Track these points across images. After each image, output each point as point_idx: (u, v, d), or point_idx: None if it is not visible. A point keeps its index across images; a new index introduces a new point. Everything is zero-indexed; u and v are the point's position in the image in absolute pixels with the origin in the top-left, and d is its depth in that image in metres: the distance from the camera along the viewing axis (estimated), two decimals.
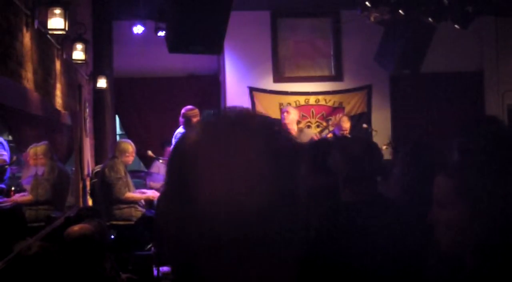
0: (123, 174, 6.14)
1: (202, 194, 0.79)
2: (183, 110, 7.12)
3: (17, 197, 5.06)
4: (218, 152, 0.81)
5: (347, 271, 2.11)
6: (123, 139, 6.67)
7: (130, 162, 6.50)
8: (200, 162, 0.81)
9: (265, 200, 0.78)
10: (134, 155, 6.40)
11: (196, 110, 7.17)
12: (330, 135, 7.29)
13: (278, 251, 0.79)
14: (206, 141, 0.83)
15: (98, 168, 7.28)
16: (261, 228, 0.78)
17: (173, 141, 7.08)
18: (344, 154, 2.54)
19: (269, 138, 0.84)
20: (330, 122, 9.35)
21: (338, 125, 8.15)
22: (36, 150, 5.11)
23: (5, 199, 4.95)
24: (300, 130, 7.21)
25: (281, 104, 9.43)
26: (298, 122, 7.24)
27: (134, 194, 6.27)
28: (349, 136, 7.02)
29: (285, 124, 7.08)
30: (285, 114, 7.34)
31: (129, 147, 6.31)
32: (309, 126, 9.37)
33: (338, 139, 5.96)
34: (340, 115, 8.94)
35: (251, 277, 0.79)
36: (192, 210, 0.79)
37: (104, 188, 6.18)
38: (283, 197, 0.79)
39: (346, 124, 7.97)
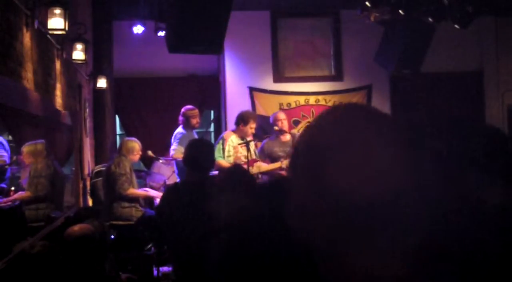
0: (128, 170, 6.15)
1: (341, 185, 0.83)
2: (183, 110, 7.13)
3: (16, 195, 5.07)
4: (354, 144, 0.84)
5: None
6: (129, 138, 6.68)
7: (137, 160, 6.53)
8: (337, 155, 0.84)
9: (399, 188, 0.82)
10: (140, 153, 6.43)
11: (196, 111, 7.17)
12: None
13: (403, 237, 0.83)
14: (341, 134, 0.86)
15: (98, 168, 7.28)
16: (396, 214, 0.82)
17: (173, 141, 7.08)
18: None
19: (399, 130, 0.88)
20: None
21: None
22: (31, 148, 5.11)
23: (5, 199, 4.95)
24: (292, 134, 7.21)
25: (281, 104, 9.44)
26: (296, 122, 7.22)
27: (137, 190, 6.28)
28: None
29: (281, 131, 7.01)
30: (280, 123, 7.10)
31: (136, 145, 6.34)
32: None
33: None
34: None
35: (379, 265, 0.84)
36: (331, 200, 0.83)
37: (108, 184, 6.19)
38: (414, 186, 0.83)
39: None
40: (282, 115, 7.22)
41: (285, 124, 7.13)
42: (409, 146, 0.86)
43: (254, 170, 6.50)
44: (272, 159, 6.89)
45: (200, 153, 4.05)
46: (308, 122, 9.37)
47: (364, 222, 0.82)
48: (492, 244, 1.01)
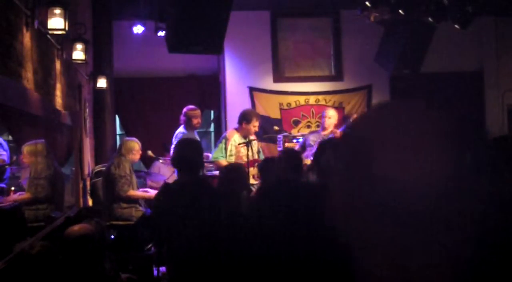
0: (128, 172, 6.14)
1: (388, 174, 0.84)
2: (185, 109, 7.11)
3: (16, 196, 5.06)
4: (401, 135, 0.86)
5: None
6: (129, 138, 6.67)
7: (137, 160, 6.51)
8: (385, 145, 0.86)
9: (442, 180, 0.83)
10: (140, 153, 6.42)
11: (198, 111, 7.16)
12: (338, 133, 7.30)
13: (448, 232, 0.84)
14: (388, 125, 0.88)
15: (98, 168, 7.28)
16: (439, 205, 0.83)
17: (174, 141, 7.08)
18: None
19: (442, 123, 0.89)
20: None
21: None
22: (31, 148, 5.10)
23: (5, 199, 4.95)
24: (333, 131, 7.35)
25: (281, 104, 9.44)
26: (297, 122, 7.34)
27: (137, 192, 6.27)
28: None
29: (324, 122, 7.44)
30: (327, 112, 7.54)
31: (136, 145, 6.33)
32: (309, 126, 9.38)
33: (333, 139, 6.01)
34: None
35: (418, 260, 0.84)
36: (378, 189, 0.84)
37: (108, 185, 6.19)
38: (457, 178, 0.84)
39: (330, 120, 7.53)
40: (330, 113, 7.54)
41: (328, 122, 7.42)
42: (457, 142, 0.87)
43: (255, 170, 6.50)
44: None
45: (188, 154, 3.96)
46: (309, 122, 9.39)
47: (411, 219, 0.83)
48: None
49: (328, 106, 9.52)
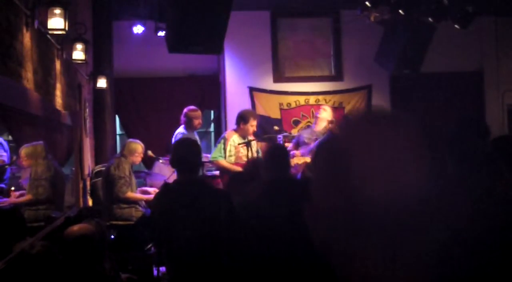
0: (127, 173, 6.13)
1: (364, 183, 0.85)
2: (185, 110, 7.11)
3: (16, 195, 5.06)
4: (377, 144, 0.87)
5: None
6: (132, 139, 6.66)
7: (138, 162, 6.51)
8: (361, 155, 0.87)
9: (421, 187, 0.84)
10: (142, 155, 6.42)
11: (199, 112, 7.15)
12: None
13: (424, 239, 0.84)
14: (363, 136, 0.89)
15: (98, 168, 7.28)
16: (416, 213, 0.84)
17: (173, 141, 7.07)
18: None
19: (419, 131, 0.90)
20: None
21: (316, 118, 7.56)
22: (29, 150, 5.10)
23: (5, 199, 4.95)
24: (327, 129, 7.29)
25: (281, 104, 9.44)
26: (331, 122, 7.29)
27: (136, 194, 6.26)
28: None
29: (316, 118, 7.41)
30: (321, 110, 7.53)
31: (139, 146, 6.33)
32: (309, 126, 9.38)
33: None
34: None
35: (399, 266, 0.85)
36: (354, 197, 0.85)
37: (107, 185, 6.19)
38: (437, 185, 0.85)
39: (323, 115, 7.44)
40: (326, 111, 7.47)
41: (322, 116, 7.39)
42: (429, 147, 0.88)
43: None
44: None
45: (186, 154, 3.95)
46: (309, 122, 9.39)
47: (385, 223, 0.83)
48: None
49: (328, 106, 9.54)
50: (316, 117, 7.47)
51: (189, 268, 3.71)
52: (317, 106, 9.51)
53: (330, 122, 7.31)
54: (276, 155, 4.17)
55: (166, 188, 4.06)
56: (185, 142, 4.46)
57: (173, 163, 3.98)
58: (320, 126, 7.35)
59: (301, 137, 7.34)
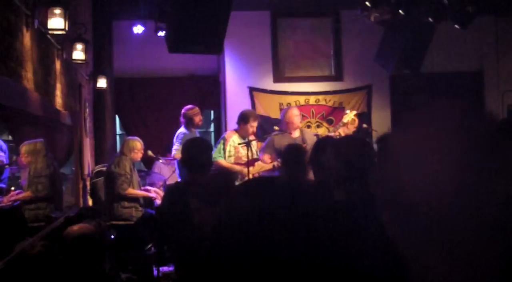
0: (128, 170, 6.16)
1: (407, 185, 0.86)
2: (183, 111, 7.12)
3: (15, 194, 5.05)
4: (426, 150, 0.90)
5: (341, 270, 2.12)
6: (131, 137, 6.69)
7: (139, 159, 6.53)
8: (411, 161, 0.89)
9: (463, 189, 0.85)
10: (142, 151, 6.44)
11: (197, 109, 7.17)
12: (337, 133, 7.10)
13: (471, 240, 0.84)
14: (414, 140, 0.92)
15: (98, 168, 7.28)
16: (455, 215, 0.84)
17: (175, 141, 7.08)
18: (336, 153, 2.55)
19: (461, 130, 0.92)
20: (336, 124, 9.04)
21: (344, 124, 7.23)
22: (30, 147, 5.10)
23: (5, 198, 4.95)
24: (301, 130, 7.13)
25: (281, 104, 9.44)
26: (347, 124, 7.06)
27: (137, 191, 6.28)
28: (341, 134, 6.91)
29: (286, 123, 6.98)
30: (296, 118, 7.14)
31: (138, 143, 6.36)
32: (309, 127, 9.37)
33: (331, 138, 5.94)
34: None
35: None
36: (397, 197, 0.87)
37: (108, 184, 6.20)
38: (478, 187, 0.85)
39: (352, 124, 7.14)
40: (296, 111, 7.03)
41: (296, 121, 6.93)
42: (477, 152, 0.89)
43: (255, 169, 6.51)
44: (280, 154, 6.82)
45: (198, 153, 3.99)
46: (309, 122, 9.39)
47: (434, 218, 0.84)
48: None
49: (329, 106, 9.54)
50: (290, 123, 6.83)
51: (198, 268, 3.70)
52: (317, 106, 9.52)
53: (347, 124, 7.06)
54: (294, 155, 4.21)
55: (176, 187, 4.09)
56: (195, 141, 4.48)
57: (184, 163, 4.02)
58: (295, 130, 6.96)
59: (272, 140, 6.98)
